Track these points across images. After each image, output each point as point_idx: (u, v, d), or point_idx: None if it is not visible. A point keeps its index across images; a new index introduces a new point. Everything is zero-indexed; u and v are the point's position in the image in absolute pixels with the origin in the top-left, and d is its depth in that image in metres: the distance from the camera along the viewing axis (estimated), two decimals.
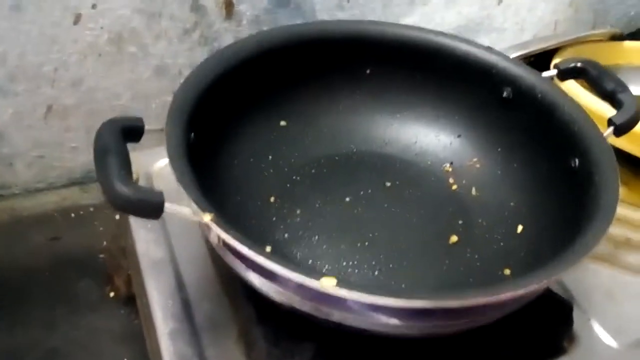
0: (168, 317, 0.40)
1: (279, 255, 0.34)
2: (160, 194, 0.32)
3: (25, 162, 0.60)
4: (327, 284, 0.30)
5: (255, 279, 0.35)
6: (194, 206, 0.33)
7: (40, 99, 0.57)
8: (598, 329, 0.44)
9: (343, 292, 0.30)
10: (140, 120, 0.36)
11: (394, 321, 0.33)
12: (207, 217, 0.32)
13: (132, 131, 0.35)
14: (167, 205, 0.32)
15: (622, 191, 0.55)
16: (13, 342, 0.52)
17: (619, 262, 0.50)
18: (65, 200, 0.63)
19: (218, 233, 0.32)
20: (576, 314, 0.44)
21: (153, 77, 0.60)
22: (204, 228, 0.35)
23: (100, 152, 0.33)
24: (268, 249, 0.32)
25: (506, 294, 0.31)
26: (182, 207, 0.32)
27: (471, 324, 0.35)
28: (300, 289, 0.32)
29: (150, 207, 0.31)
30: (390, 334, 0.34)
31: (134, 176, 0.32)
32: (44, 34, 0.54)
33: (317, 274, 0.30)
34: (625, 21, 0.81)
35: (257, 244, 0.32)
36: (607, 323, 0.44)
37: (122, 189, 0.31)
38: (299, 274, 0.30)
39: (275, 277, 0.33)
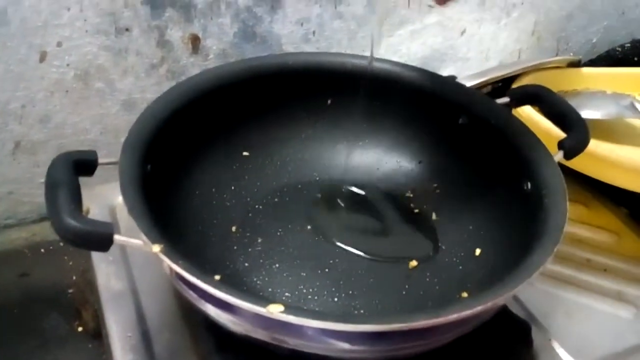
0: (127, 349, 0.40)
1: (236, 283, 0.35)
2: (110, 225, 0.32)
3: None
4: (274, 310, 0.30)
5: (209, 309, 0.35)
6: (144, 237, 0.33)
7: (7, 136, 0.58)
8: (559, 349, 0.45)
9: (290, 318, 0.30)
10: (93, 153, 0.37)
11: (346, 346, 0.33)
12: (156, 248, 0.33)
13: (84, 165, 0.36)
14: (117, 237, 0.32)
15: (583, 212, 0.57)
16: None
17: (580, 283, 0.51)
18: (35, 236, 0.63)
19: (168, 264, 0.32)
20: (536, 335, 0.44)
21: (121, 111, 0.61)
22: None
23: (51, 186, 0.33)
24: (217, 277, 0.32)
25: (452, 316, 0.31)
26: (132, 239, 0.33)
27: (426, 346, 0.35)
28: (252, 317, 0.33)
29: (99, 239, 0.32)
30: (345, 359, 0.35)
31: (85, 209, 0.33)
32: (10, 71, 0.55)
33: (264, 302, 0.31)
34: (587, 48, 0.83)
35: (212, 273, 0.33)
36: (568, 343, 0.45)
37: (69, 222, 0.31)
38: (246, 302, 0.31)
39: (227, 307, 0.33)
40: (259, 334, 0.34)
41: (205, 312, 0.36)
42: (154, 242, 0.33)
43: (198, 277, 0.31)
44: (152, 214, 0.36)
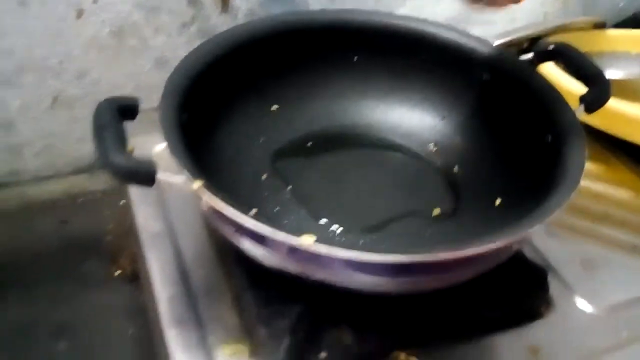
0: (166, 283, 0.43)
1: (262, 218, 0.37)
2: (153, 162, 0.35)
3: (34, 150, 0.63)
4: (307, 241, 0.33)
5: (244, 243, 0.37)
6: (185, 174, 0.35)
7: (46, 91, 0.60)
8: (574, 296, 0.47)
9: (321, 248, 0.33)
10: (135, 99, 0.39)
11: (371, 278, 0.35)
12: (197, 184, 0.35)
13: (127, 109, 0.38)
14: (160, 174, 0.35)
15: (603, 170, 0.58)
16: (23, 317, 0.55)
17: (597, 235, 0.52)
18: (72, 187, 0.66)
19: (207, 199, 0.35)
20: (553, 282, 0.46)
21: (153, 69, 0.63)
22: (198, 198, 0.38)
23: (98, 128, 0.36)
24: (253, 211, 0.35)
25: (471, 249, 0.34)
26: (174, 176, 0.35)
27: (446, 282, 0.37)
28: (285, 249, 0.35)
29: (143, 174, 0.34)
30: (369, 290, 0.37)
31: (129, 148, 0.35)
32: (49, 28, 0.57)
33: (298, 233, 0.33)
34: (613, 12, 0.83)
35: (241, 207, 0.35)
36: (584, 290, 0.47)
37: (117, 158, 0.34)
38: (280, 232, 0.33)
39: (262, 240, 0.36)
40: (291, 267, 0.36)
41: (239, 247, 0.38)
42: (194, 178, 0.35)
43: (236, 210, 0.34)
44: (190, 157, 0.38)
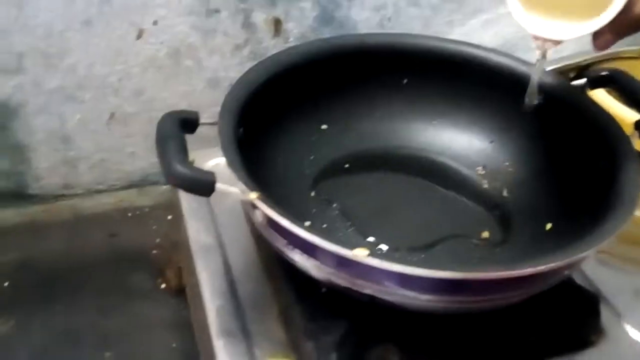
0: (215, 295, 0.43)
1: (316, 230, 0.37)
2: (213, 174, 0.36)
3: (89, 164, 0.66)
4: (360, 254, 0.33)
5: (295, 256, 0.38)
6: (242, 186, 0.36)
7: (104, 107, 0.63)
8: (627, 326, 0.45)
9: (375, 262, 0.33)
10: (195, 113, 0.41)
11: (422, 294, 0.35)
12: (253, 195, 0.36)
13: (188, 122, 0.40)
14: (218, 185, 0.36)
15: None
16: (70, 325, 0.56)
17: None
18: (122, 202, 0.68)
19: (263, 210, 0.36)
20: (605, 310, 0.45)
21: (206, 89, 0.65)
22: (249, 210, 0.39)
23: (161, 138, 0.37)
24: (307, 223, 0.35)
25: (524, 270, 0.33)
26: (231, 187, 0.36)
27: (496, 302, 0.37)
28: (336, 261, 0.35)
29: (203, 184, 0.35)
30: (418, 308, 0.37)
31: (190, 159, 0.36)
32: (111, 47, 0.60)
33: (351, 245, 0.34)
34: None
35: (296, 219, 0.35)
36: (636, 319, 0.45)
37: (179, 168, 0.35)
38: (334, 244, 0.34)
39: (314, 252, 0.36)
40: (341, 279, 0.36)
41: (289, 260, 0.39)
42: (251, 189, 0.36)
43: (291, 221, 0.34)
44: (245, 170, 0.39)
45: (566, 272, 0.39)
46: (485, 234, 0.47)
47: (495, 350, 0.41)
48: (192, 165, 0.36)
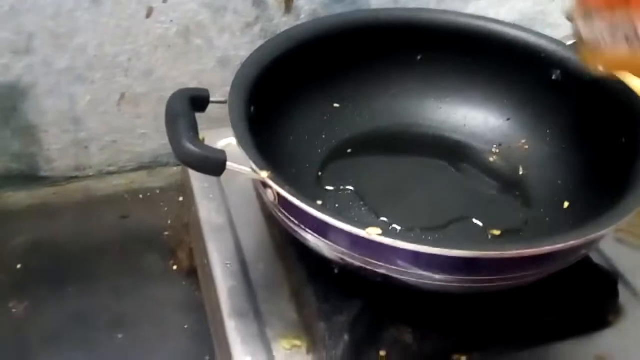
0: (227, 275, 0.43)
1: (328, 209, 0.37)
2: (223, 152, 0.35)
3: (100, 146, 0.65)
4: (373, 232, 0.32)
5: (307, 235, 0.37)
6: (253, 165, 0.36)
7: (114, 87, 0.62)
8: None
9: (387, 241, 0.32)
10: (206, 91, 0.40)
11: (436, 274, 0.35)
12: (264, 174, 0.35)
13: (198, 100, 0.39)
14: (229, 164, 0.35)
15: None
16: (83, 307, 0.56)
17: None
18: (133, 183, 0.68)
19: (275, 189, 0.35)
20: (623, 289, 0.44)
21: (217, 67, 0.64)
22: (261, 188, 0.38)
23: (171, 116, 0.36)
24: (319, 202, 0.35)
25: (542, 249, 0.32)
26: (242, 166, 0.35)
27: (512, 282, 0.36)
28: (349, 241, 0.35)
29: (214, 163, 0.35)
30: (433, 288, 0.36)
31: (201, 137, 0.36)
32: (120, 26, 0.59)
33: (363, 225, 0.33)
34: None
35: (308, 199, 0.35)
36: None
37: (189, 146, 0.34)
38: (347, 224, 0.33)
39: (326, 232, 0.36)
40: (354, 259, 0.36)
41: (302, 239, 0.38)
42: (262, 169, 0.35)
43: (303, 200, 0.34)
44: (256, 148, 0.39)
45: (583, 251, 0.38)
46: (502, 213, 0.46)
47: (511, 330, 0.41)
48: (203, 143, 0.35)
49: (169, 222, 0.63)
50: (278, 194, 0.35)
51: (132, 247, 0.62)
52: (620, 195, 0.38)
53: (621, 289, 0.44)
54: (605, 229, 0.35)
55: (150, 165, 0.68)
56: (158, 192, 0.67)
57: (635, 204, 0.36)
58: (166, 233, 0.62)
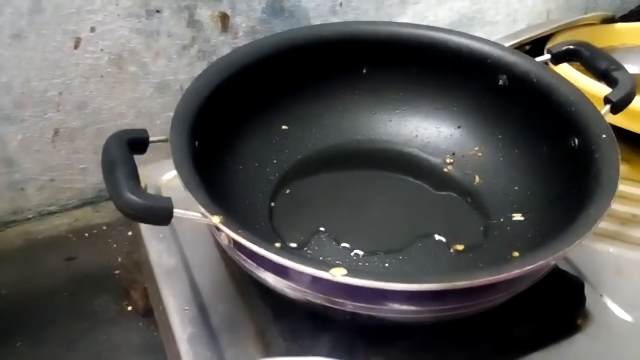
0: (186, 322, 0.41)
1: (288, 252, 0.35)
2: (169, 200, 0.33)
3: (37, 186, 0.62)
4: (338, 274, 0.31)
5: (268, 278, 0.35)
6: (203, 210, 0.33)
7: (47, 124, 0.59)
8: (611, 305, 0.45)
9: (354, 281, 0.31)
10: (144, 132, 0.37)
11: (406, 307, 0.33)
12: (216, 220, 0.33)
13: (137, 143, 0.36)
14: (177, 211, 0.33)
15: (625, 169, 0.56)
16: None
17: (627, 239, 0.50)
18: (78, 221, 0.64)
19: (228, 234, 0.33)
20: (588, 292, 0.44)
21: (156, 94, 0.62)
22: (215, 231, 0.36)
23: (108, 165, 0.34)
24: (278, 245, 0.33)
25: (513, 273, 0.32)
26: (191, 212, 0.33)
27: (484, 306, 0.35)
28: (313, 282, 0.33)
29: (160, 213, 0.32)
30: (405, 321, 0.35)
31: (142, 185, 0.33)
32: (47, 59, 0.55)
33: (327, 266, 0.31)
34: (617, 5, 0.81)
35: (266, 242, 0.33)
36: (620, 299, 0.45)
37: (131, 197, 0.32)
38: (309, 267, 0.31)
39: (287, 274, 0.34)
40: (319, 299, 0.34)
41: (263, 281, 0.36)
42: (213, 214, 0.33)
43: (260, 246, 0.32)
44: (205, 188, 0.36)
45: (554, 263, 0.38)
46: (461, 227, 0.45)
47: (483, 349, 0.40)
48: (146, 192, 0.33)
49: (120, 260, 0.60)
50: (232, 239, 0.33)
51: (82, 290, 0.58)
52: (582, 202, 0.38)
53: (587, 291, 0.44)
54: (575, 243, 0.34)
55: (94, 201, 0.65)
56: (105, 228, 0.64)
57: (600, 211, 0.36)
58: (117, 272, 0.59)
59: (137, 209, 0.32)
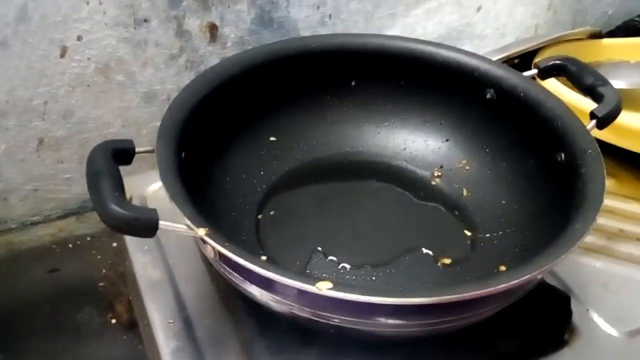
0: (170, 336, 0.40)
1: (274, 264, 0.35)
2: (154, 211, 0.32)
3: (20, 196, 0.61)
4: (323, 287, 0.30)
5: (254, 290, 0.35)
6: (188, 222, 0.33)
7: (31, 133, 0.58)
8: (597, 319, 0.45)
9: (340, 295, 0.30)
10: (130, 142, 0.37)
11: (392, 321, 0.33)
12: (201, 232, 0.33)
13: (123, 153, 0.36)
14: (162, 223, 0.32)
15: (611, 183, 0.57)
16: None
17: (613, 253, 0.50)
18: (61, 232, 0.63)
19: (214, 247, 0.32)
20: (574, 306, 0.44)
21: (142, 103, 0.61)
22: (200, 244, 0.36)
23: (93, 175, 0.33)
24: (264, 258, 0.32)
25: (500, 287, 0.31)
26: (176, 224, 0.33)
27: (470, 320, 0.35)
28: (299, 295, 0.33)
29: (145, 225, 0.32)
30: (391, 335, 0.35)
31: (128, 196, 0.33)
32: (32, 68, 0.55)
33: (313, 279, 0.31)
34: (603, 20, 0.82)
35: (252, 255, 0.32)
36: (606, 313, 0.45)
37: (115, 209, 0.31)
38: (295, 280, 0.31)
39: (273, 287, 0.33)
40: (304, 312, 0.34)
41: (248, 294, 0.36)
42: (198, 226, 0.33)
43: (246, 259, 0.31)
44: (190, 200, 0.36)
45: (540, 277, 0.38)
46: (447, 239, 0.45)
47: None
48: (131, 203, 0.32)
49: (104, 271, 0.59)
50: (218, 251, 0.33)
51: (65, 302, 0.57)
52: (567, 217, 0.38)
53: (574, 305, 0.44)
54: (563, 255, 0.34)
55: (78, 211, 0.64)
56: (89, 239, 0.63)
57: (586, 225, 0.36)
58: (101, 284, 0.58)
59: (122, 221, 0.31)
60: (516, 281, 0.32)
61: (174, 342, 0.40)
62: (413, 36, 0.69)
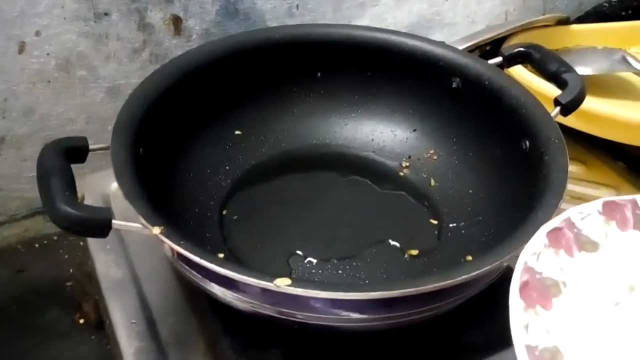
0: (132, 336, 0.39)
1: (235, 261, 0.34)
2: (108, 210, 0.31)
3: None
4: (282, 284, 0.30)
5: (214, 288, 0.34)
6: (143, 221, 0.32)
7: None
8: None
9: (297, 291, 0.30)
10: (84, 140, 0.36)
11: (355, 315, 0.33)
12: (156, 230, 0.32)
13: (76, 151, 0.35)
14: (115, 222, 0.31)
15: (581, 170, 0.57)
16: None
17: None
18: (27, 232, 0.62)
19: (170, 245, 0.32)
20: None
21: (106, 99, 0.60)
22: (159, 242, 0.35)
23: (43, 175, 0.32)
24: (221, 256, 0.32)
25: (460, 278, 0.31)
26: (130, 223, 0.32)
27: (435, 311, 0.35)
28: (259, 293, 0.32)
29: (98, 225, 0.31)
30: (355, 329, 0.34)
31: (79, 195, 0.32)
32: None
33: (271, 276, 0.30)
34: (574, 6, 0.82)
35: (212, 253, 0.32)
36: None
37: (66, 209, 0.31)
38: (252, 278, 0.30)
39: (233, 284, 0.33)
40: (266, 310, 0.33)
41: (210, 292, 0.35)
42: (153, 224, 0.32)
43: (201, 257, 0.31)
44: (148, 197, 0.35)
45: (506, 265, 0.37)
46: (414, 230, 0.45)
47: (435, 355, 0.39)
48: (82, 203, 0.31)
49: (71, 271, 0.58)
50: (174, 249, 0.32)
51: (32, 303, 0.56)
52: (531, 205, 0.38)
53: None
54: (524, 244, 0.34)
55: (44, 210, 0.62)
56: (56, 238, 0.61)
57: (545, 216, 0.35)
58: (69, 284, 0.57)
59: (72, 221, 0.31)
60: (475, 273, 0.32)
61: (137, 342, 0.39)
62: (383, 26, 0.69)
